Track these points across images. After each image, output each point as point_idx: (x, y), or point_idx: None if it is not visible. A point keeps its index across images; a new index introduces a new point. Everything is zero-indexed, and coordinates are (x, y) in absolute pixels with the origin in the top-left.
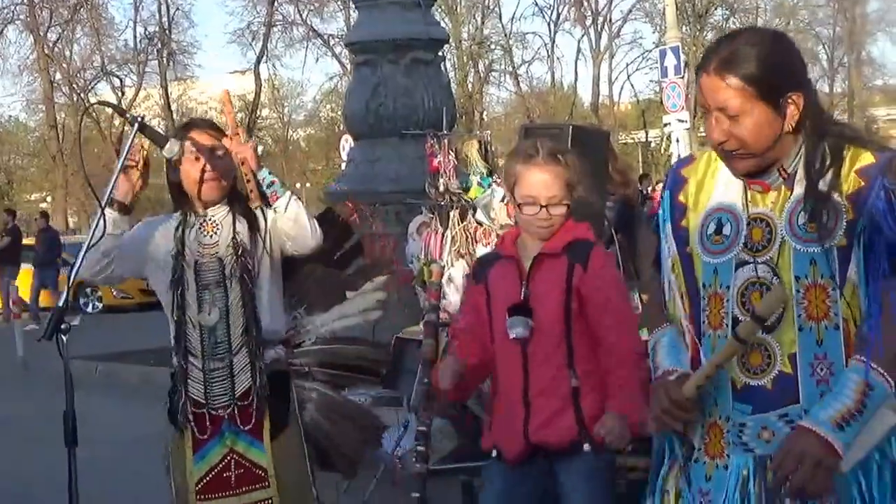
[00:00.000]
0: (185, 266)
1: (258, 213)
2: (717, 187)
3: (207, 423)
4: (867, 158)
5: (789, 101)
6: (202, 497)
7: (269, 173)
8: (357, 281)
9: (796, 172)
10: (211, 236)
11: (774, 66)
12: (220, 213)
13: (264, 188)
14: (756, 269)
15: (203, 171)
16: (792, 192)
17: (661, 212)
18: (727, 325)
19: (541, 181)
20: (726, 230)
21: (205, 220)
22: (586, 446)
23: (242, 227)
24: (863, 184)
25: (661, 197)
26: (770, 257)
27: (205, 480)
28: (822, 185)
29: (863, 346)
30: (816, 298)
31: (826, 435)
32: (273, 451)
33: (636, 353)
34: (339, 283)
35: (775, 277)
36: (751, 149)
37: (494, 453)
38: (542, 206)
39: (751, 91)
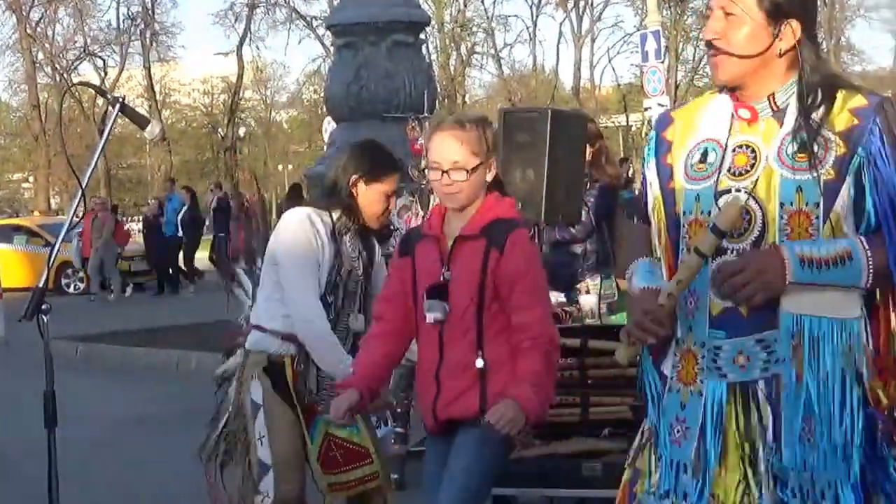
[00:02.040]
0: (342, 273)
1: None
2: (704, 121)
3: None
4: (860, 100)
5: (788, 25)
6: (326, 471)
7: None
8: None
9: (787, 108)
10: (354, 250)
11: None
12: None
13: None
14: (735, 193)
15: (386, 210)
16: (781, 126)
17: (646, 150)
18: None
19: (441, 146)
20: (710, 158)
21: (352, 235)
22: (483, 420)
23: (361, 246)
24: (857, 122)
25: (648, 137)
26: (751, 181)
27: (319, 458)
28: (815, 118)
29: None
30: (800, 226)
31: (787, 257)
32: (368, 428)
33: (547, 335)
34: None
35: (751, 199)
36: (735, 52)
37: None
38: (443, 172)
39: (759, 2)
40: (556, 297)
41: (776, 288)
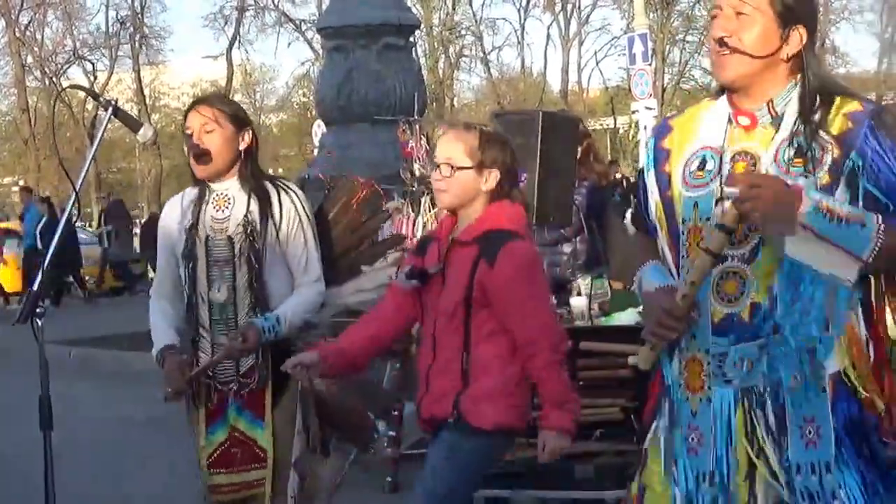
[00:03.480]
0: (196, 241)
1: (275, 193)
2: (702, 129)
3: (213, 395)
4: (855, 105)
5: (796, 30)
6: (214, 471)
7: (266, 330)
8: (370, 256)
9: (784, 113)
10: (222, 211)
11: None
12: (233, 189)
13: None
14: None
15: (189, 149)
16: (777, 132)
17: (644, 160)
18: None
19: (441, 142)
20: (709, 165)
21: (216, 195)
22: (453, 422)
23: (256, 206)
24: (851, 126)
25: (646, 145)
26: None
27: (215, 455)
28: (814, 122)
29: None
30: None
31: (805, 196)
32: (274, 430)
33: (551, 344)
34: (355, 258)
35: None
36: (746, 50)
37: None
38: (437, 166)
39: (772, 4)
40: None
41: (782, 217)
